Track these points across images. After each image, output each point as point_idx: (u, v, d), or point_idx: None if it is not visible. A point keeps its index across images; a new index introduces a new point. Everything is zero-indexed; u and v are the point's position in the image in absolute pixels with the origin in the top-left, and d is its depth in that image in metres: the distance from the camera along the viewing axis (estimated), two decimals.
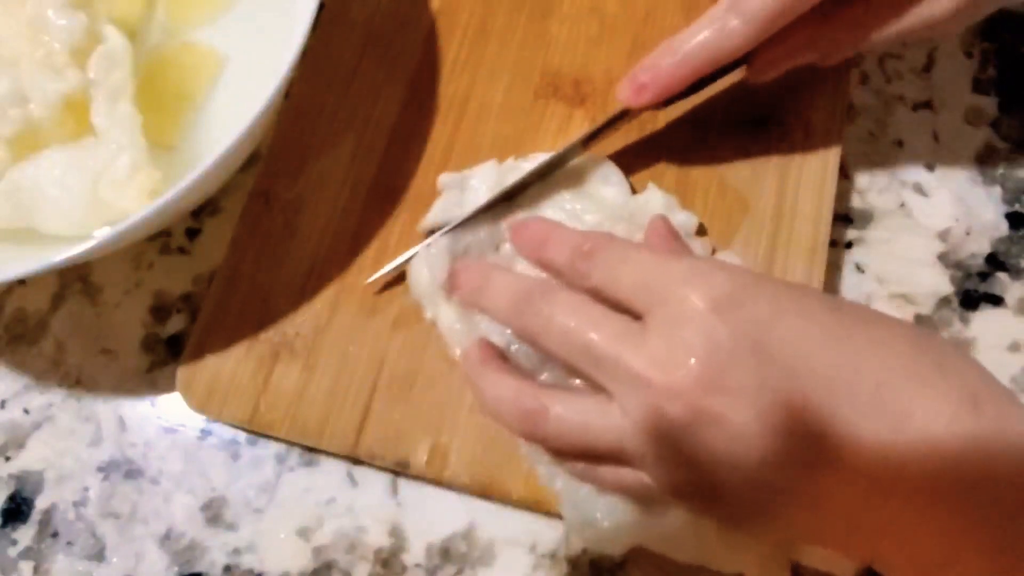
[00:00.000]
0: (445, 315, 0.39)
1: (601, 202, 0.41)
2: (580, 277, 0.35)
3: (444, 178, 0.42)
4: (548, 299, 0.34)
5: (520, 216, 0.41)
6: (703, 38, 0.37)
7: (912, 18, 0.37)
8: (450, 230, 0.40)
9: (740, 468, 0.30)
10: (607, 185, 0.41)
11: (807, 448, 0.30)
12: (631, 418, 0.31)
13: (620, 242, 0.35)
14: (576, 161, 0.41)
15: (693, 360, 0.30)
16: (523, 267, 0.39)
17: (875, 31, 0.38)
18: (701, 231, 0.41)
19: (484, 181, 0.41)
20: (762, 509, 0.31)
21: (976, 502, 0.29)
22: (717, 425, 0.30)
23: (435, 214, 0.42)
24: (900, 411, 0.29)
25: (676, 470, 0.31)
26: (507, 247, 0.40)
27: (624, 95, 0.39)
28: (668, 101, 0.40)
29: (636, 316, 0.33)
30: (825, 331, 0.31)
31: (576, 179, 0.41)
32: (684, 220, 0.40)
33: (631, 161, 0.43)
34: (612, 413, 0.32)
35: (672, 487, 0.32)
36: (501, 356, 0.36)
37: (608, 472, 0.33)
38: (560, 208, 0.41)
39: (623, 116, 0.40)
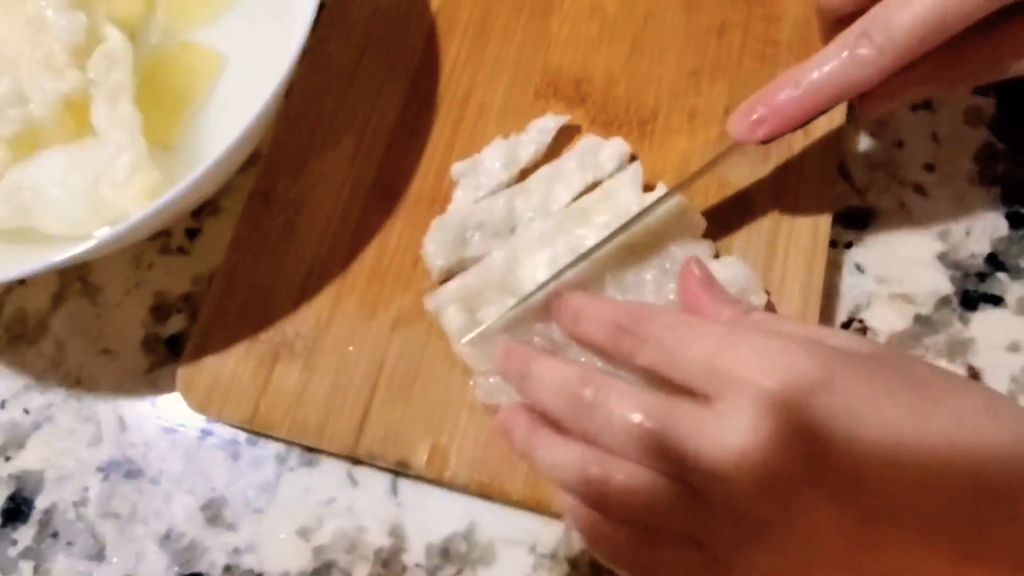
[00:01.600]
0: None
1: (613, 200, 0.41)
2: (626, 356, 0.32)
3: (457, 167, 0.42)
4: (603, 394, 0.31)
5: (527, 206, 0.41)
6: (830, 69, 0.34)
7: None
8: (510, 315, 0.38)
9: (815, 552, 0.29)
10: (622, 180, 0.41)
11: (885, 529, 0.28)
12: (711, 512, 0.29)
13: (669, 315, 0.32)
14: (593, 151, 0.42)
15: (777, 456, 0.28)
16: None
17: (996, 68, 0.36)
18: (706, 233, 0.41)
19: (496, 159, 0.41)
20: None
21: None
22: (801, 517, 0.28)
23: (458, 205, 0.41)
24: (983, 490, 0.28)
25: (747, 560, 0.30)
26: (520, 230, 0.40)
27: (738, 130, 0.36)
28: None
29: (697, 396, 0.30)
30: (912, 413, 0.29)
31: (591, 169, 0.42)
32: (696, 221, 0.40)
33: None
34: (687, 495, 0.30)
35: (738, 569, 0.30)
36: (544, 419, 0.34)
37: (664, 549, 0.31)
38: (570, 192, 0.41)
39: (724, 153, 0.38)
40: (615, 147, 0.42)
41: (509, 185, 0.41)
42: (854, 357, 0.30)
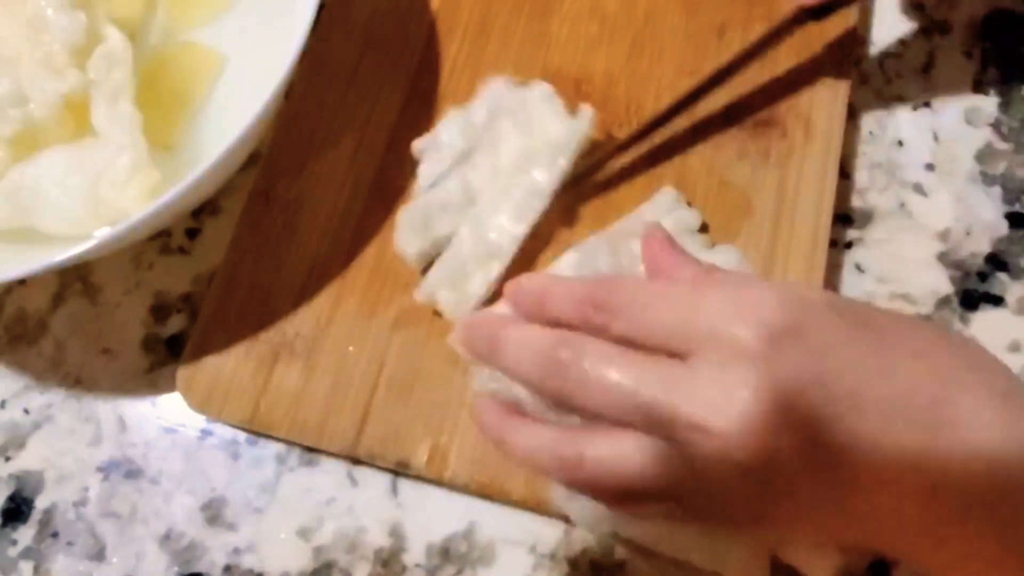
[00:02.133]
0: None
1: (544, 133, 0.41)
2: (599, 330, 0.32)
3: (418, 144, 0.43)
4: (577, 353, 0.31)
5: (481, 162, 0.41)
6: None
7: None
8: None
9: (795, 495, 0.30)
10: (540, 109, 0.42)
11: (861, 470, 0.29)
12: (690, 465, 0.30)
13: (633, 283, 0.33)
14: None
15: (754, 401, 0.28)
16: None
17: None
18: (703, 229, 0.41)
19: (452, 130, 0.42)
20: (801, 522, 0.31)
21: (1013, 505, 0.29)
22: (778, 462, 0.29)
23: (424, 178, 0.42)
24: (948, 421, 0.29)
25: (728, 506, 0.30)
26: (482, 203, 0.41)
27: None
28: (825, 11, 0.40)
29: (674, 356, 0.30)
30: (876, 356, 0.30)
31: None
32: (690, 217, 0.41)
33: (632, 161, 0.43)
34: (662, 456, 0.30)
35: (719, 519, 0.31)
36: (516, 409, 0.34)
37: (643, 507, 0.32)
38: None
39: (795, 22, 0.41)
40: (539, 90, 0.42)
41: (469, 154, 0.42)
42: (818, 303, 0.31)
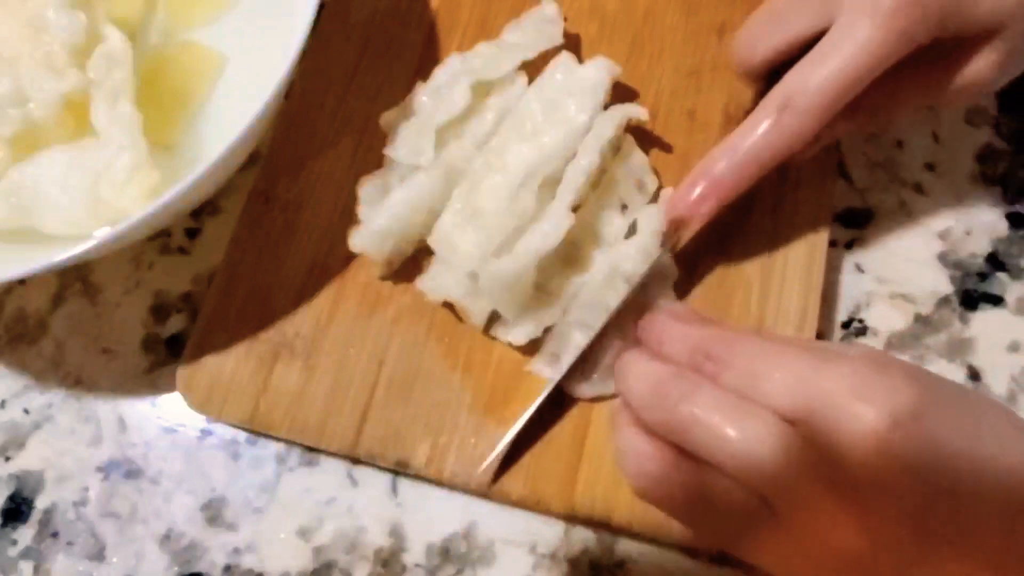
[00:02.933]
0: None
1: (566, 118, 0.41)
2: (712, 375, 0.32)
3: (387, 116, 0.42)
4: (689, 390, 0.32)
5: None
6: (759, 140, 0.35)
7: (955, 86, 0.36)
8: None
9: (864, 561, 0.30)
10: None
11: (948, 547, 0.29)
12: (787, 519, 0.30)
13: (747, 338, 0.33)
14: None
15: (867, 500, 0.28)
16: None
17: (913, 101, 0.38)
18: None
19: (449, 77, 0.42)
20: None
21: None
22: (887, 545, 0.29)
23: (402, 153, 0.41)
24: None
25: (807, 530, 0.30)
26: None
27: (681, 206, 0.37)
28: None
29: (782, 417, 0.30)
30: (977, 440, 0.30)
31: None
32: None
33: None
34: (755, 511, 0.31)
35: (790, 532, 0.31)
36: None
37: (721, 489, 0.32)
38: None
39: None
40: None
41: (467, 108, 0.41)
42: (936, 386, 0.30)
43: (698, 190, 0.37)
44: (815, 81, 0.34)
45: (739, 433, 0.30)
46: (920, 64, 0.36)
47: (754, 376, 0.31)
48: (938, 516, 0.29)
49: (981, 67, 0.36)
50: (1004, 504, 0.29)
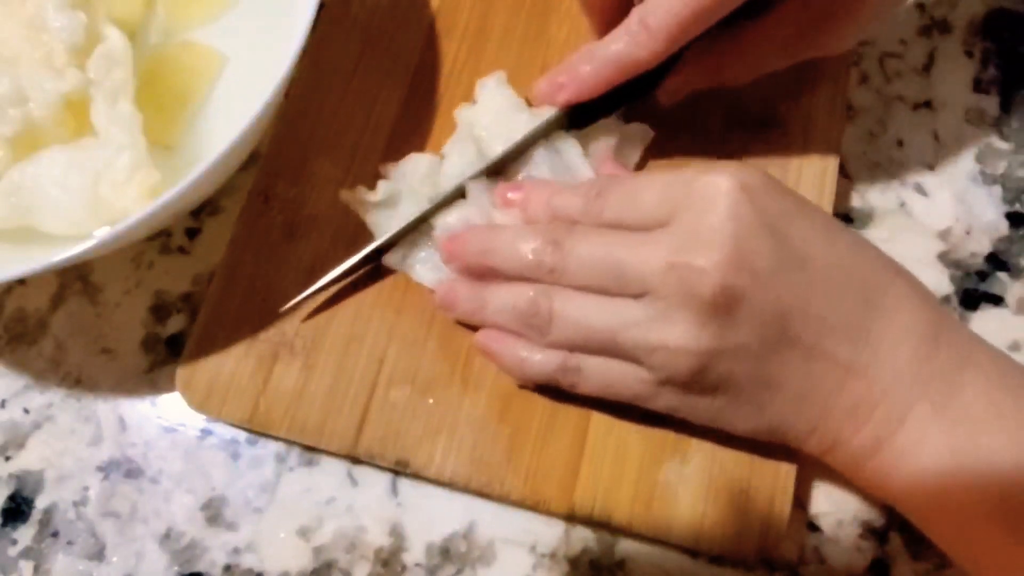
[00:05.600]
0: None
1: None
2: (595, 216, 0.36)
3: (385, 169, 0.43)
4: (567, 236, 0.36)
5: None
6: (617, 48, 0.38)
7: (810, 47, 0.39)
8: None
9: (751, 356, 0.33)
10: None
11: (808, 330, 0.33)
12: (653, 317, 0.34)
13: (618, 177, 0.38)
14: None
15: (721, 239, 0.32)
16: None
17: (771, 58, 0.40)
18: None
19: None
20: (757, 399, 0.34)
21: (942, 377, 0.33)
22: (740, 303, 0.33)
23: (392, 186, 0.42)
24: (883, 304, 0.34)
25: (691, 363, 0.34)
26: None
27: (541, 92, 0.40)
28: (585, 119, 0.41)
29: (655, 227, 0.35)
30: (825, 231, 0.34)
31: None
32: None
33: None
34: (630, 308, 0.34)
35: (679, 392, 0.35)
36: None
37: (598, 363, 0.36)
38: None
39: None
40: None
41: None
42: (776, 180, 0.35)
43: (558, 81, 0.40)
44: (668, 4, 0.36)
45: (608, 246, 0.35)
46: (765, 23, 0.39)
47: (631, 201, 0.36)
48: (783, 281, 0.33)
49: (842, 39, 0.39)
50: (850, 291, 0.34)
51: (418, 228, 0.41)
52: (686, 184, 0.34)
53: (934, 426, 0.32)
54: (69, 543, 0.40)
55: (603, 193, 0.37)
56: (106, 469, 0.41)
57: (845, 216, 0.44)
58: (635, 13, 0.37)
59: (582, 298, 0.36)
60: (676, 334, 0.33)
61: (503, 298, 0.38)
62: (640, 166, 0.43)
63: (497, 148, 0.41)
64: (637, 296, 0.34)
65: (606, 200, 0.36)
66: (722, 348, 0.33)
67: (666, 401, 0.36)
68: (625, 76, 0.38)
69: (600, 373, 0.36)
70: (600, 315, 0.35)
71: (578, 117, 0.41)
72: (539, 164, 0.40)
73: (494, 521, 0.39)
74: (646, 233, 0.35)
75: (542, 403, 0.39)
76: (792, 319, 0.33)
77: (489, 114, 0.42)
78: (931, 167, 0.45)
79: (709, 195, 0.33)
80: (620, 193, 0.36)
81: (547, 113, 0.41)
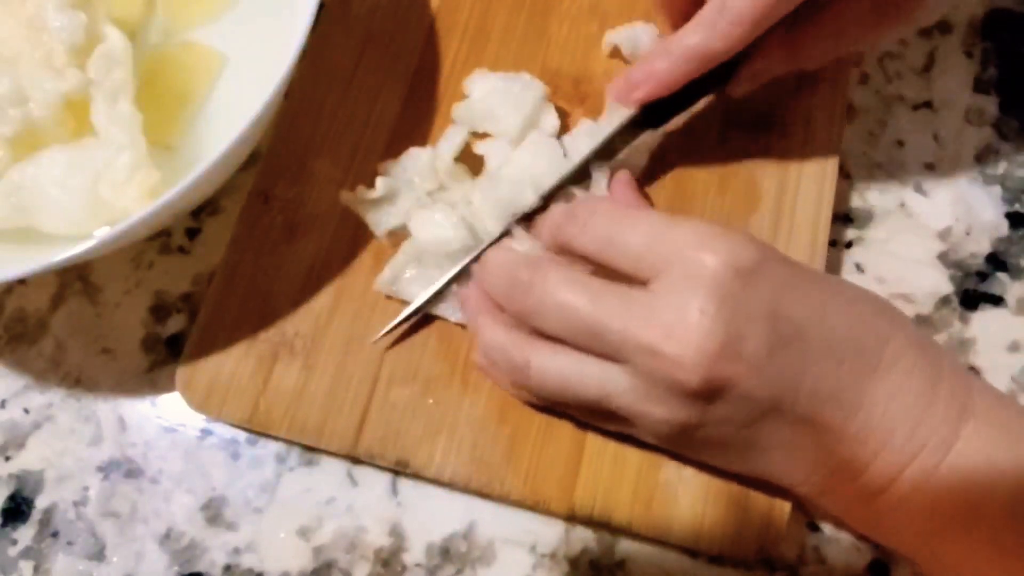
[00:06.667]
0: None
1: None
2: (569, 238, 0.35)
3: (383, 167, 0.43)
4: (540, 275, 0.34)
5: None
6: (694, 40, 0.36)
7: (890, 22, 0.38)
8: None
9: (737, 424, 0.32)
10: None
11: (799, 404, 0.32)
12: (637, 390, 0.32)
13: (603, 204, 0.36)
14: None
15: (709, 328, 0.31)
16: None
17: (850, 37, 0.39)
18: None
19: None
20: (744, 455, 0.34)
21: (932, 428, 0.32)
22: (727, 390, 0.31)
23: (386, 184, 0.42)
24: (878, 363, 0.32)
25: (675, 429, 0.33)
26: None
27: (616, 91, 0.39)
28: (661, 117, 0.40)
29: (636, 282, 0.33)
30: (820, 299, 0.33)
31: None
32: None
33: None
34: (604, 378, 0.33)
35: (666, 441, 0.34)
36: (497, 307, 0.37)
37: (597, 421, 0.36)
38: None
39: (635, 126, 0.40)
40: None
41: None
42: (773, 249, 0.34)
43: (634, 79, 0.38)
44: None
45: (587, 302, 0.32)
46: (838, 7, 0.38)
47: (609, 238, 0.33)
48: (776, 364, 0.31)
49: (922, 16, 0.38)
50: (848, 349, 0.32)
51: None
52: (673, 248, 0.32)
53: (930, 480, 0.32)
54: (69, 543, 0.40)
55: (576, 215, 0.35)
56: (106, 469, 0.41)
57: (845, 216, 0.44)
58: (713, 2, 0.36)
59: (563, 356, 0.34)
60: (660, 411, 0.32)
61: (488, 335, 0.37)
62: (645, 169, 0.43)
63: (504, 122, 0.41)
64: (616, 360, 0.33)
65: (582, 227, 0.35)
66: (706, 421, 0.32)
67: (656, 442, 0.36)
68: (702, 69, 0.37)
69: (587, 417, 0.37)
70: (581, 379, 0.34)
71: (653, 115, 0.40)
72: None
73: (494, 521, 0.39)
74: (626, 293, 0.33)
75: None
76: (783, 396, 0.32)
77: (481, 99, 0.42)
78: (931, 167, 0.45)
79: (697, 275, 0.31)
80: (598, 226, 0.34)
81: (532, 95, 0.41)
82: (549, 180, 0.39)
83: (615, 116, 0.40)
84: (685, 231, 0.32)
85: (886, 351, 0.32)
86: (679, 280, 0.31)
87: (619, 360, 0.33)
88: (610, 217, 0.34)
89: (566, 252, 0.36)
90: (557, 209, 0.37)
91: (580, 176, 0.40)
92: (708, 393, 0.31)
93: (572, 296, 0.33)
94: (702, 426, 0.32)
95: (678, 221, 0.33)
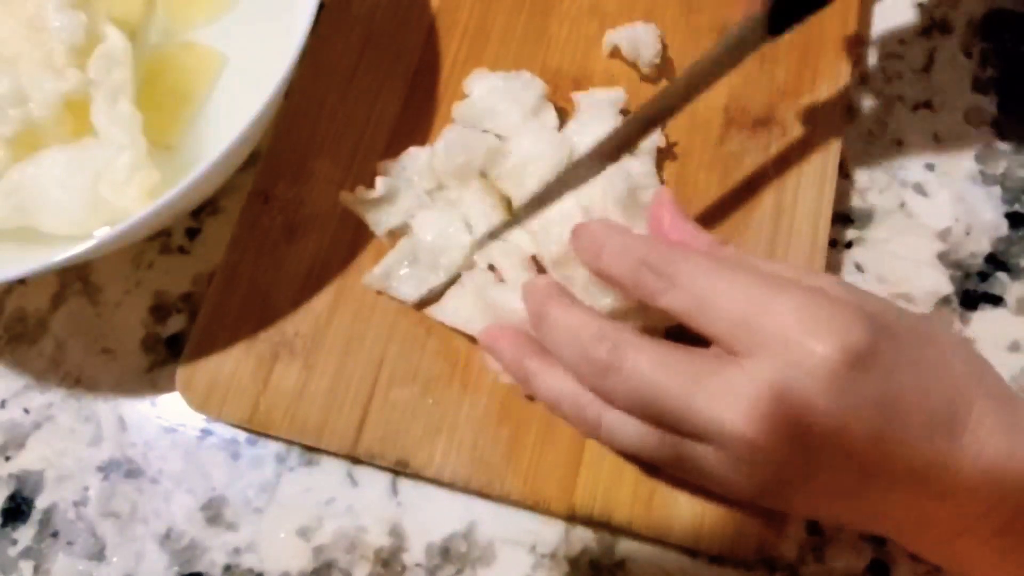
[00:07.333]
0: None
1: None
2: (649, 296, 0.31)
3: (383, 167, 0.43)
4: (618, 356, 0.31)
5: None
6: None
7: None
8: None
9: (815, 484, 0.30)
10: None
11: (880, 476, 0.30)
12: (724, 464, 0.30)
13: (695, 258, 0.31)
14: None
15: (814, 423, 0.28)
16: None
17: None
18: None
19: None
20: (809, 502, 0.32)
21: (1013, 506, 0.30)
22: (819, 474, 0.30)
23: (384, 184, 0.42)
24: (962, 430, 0.29)
25: (752, 488, 0.32)
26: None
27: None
28: (786, 20, 0.34)
29: (724, 348, 0.30)
30: (914, 373, 0.29)
31: None
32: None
33: None
34: (692, 449, 0.31)
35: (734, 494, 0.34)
36: (532, 338, 0.35)
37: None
38: None
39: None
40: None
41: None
42: (882, 324, 0.30)
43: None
44: None
45: (678, 387, 0.29)
46: None
47: (701, 300, 0.30)
48: (880, 450, 0.29)
49: None
50: (939, 436, 0.29)
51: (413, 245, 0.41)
52: (777, 328, 0.28)
53: (995, 539, 0.30)
54: (69, 543, 0.40)
55: (661, 268, 0.31)
56: (106, 469, 0.41)
57: (845, 216, 0.44)
58: None
59: (634, 424, 0.32)
60: (740, 481, 0.30)
61: (550, 383, 0.34)
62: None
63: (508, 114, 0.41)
64: (702, 441, 0.30)
65: (667, 282, 0.31)
66: (788, 482, 0.31)
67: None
68: None
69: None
70: (658, 448, 0.31)
71: (780, 19, 0.33)
72: (605, 186, 0.37)
73: (494, 521, 0.39)
74: (721, 375, 0.29)
75: (542, 403, 0.39)
76: (868, 466, 0.29)
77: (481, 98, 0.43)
78: (931, 167, 0.45)
79: (805, 365, 0.28)
80: (688, 287, 0.30)
81: (532, 94, 0.42)
82: (550, 170, 0.39)
83: (590, 116, 0.40)
84: (789, 307, 0.29)
85: (970, 419, 0.30)
86: (783, 368, 0.28)
87: (704, 441, 0.30)
88: (701, 275, 0.30)
89: (610, 279, 0.33)
90: (637, 245, 0.32)
91: (582, 174, 0.37)
92: (804, 476, 0.30)
93: (661, 379, 0.30)
94: (782, 484, 0.31)
95: (781, 289, 0.29)
